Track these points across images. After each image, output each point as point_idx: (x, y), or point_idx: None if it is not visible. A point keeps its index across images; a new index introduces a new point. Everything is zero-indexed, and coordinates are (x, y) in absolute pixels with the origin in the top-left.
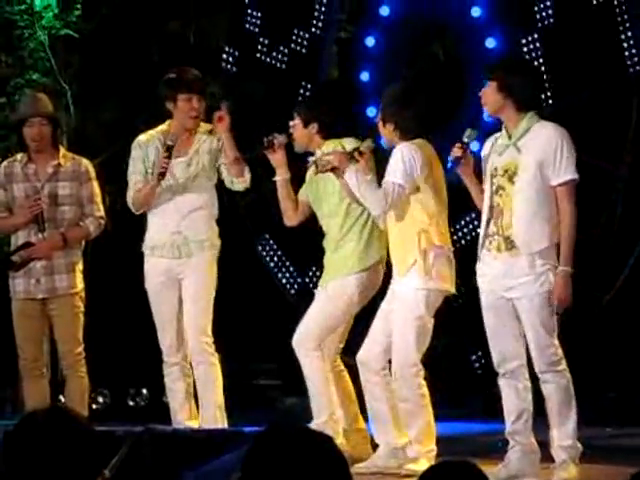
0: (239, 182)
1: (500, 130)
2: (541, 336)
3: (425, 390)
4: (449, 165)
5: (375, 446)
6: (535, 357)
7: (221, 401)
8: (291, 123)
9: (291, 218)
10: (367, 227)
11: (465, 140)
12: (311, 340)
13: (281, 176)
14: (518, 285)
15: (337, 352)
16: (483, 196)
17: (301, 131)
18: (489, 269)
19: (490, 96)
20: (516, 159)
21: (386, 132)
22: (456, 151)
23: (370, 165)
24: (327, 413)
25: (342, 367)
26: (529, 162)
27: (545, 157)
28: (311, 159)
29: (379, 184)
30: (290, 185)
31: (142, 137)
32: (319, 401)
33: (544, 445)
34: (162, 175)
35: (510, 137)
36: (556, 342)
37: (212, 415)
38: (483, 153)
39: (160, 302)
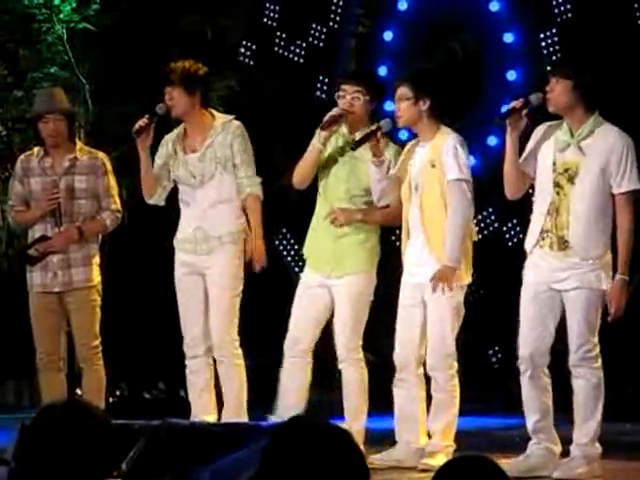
0: None
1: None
2: (582, 330)
3: (457, 381)
4: (502, 112)
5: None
6: (572, 350)
7: (239, 401)
8: (356, 94)
9: (303, 183)
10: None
11: (530, 99)
12: (355, 346)
13: (321, 145)
14: (571, 277)
15: None
16: (515, 165)
17: (366, 106)
18: (540, 262)
19: (562, 95)
20: (578, 160)
21: (415, 110)
22: (517, 102)
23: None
24: (362, 419)
25: None
26: (592, 166)
27: (609, 164)
28: (350, 137)
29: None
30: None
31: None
32: (359, 407)
33: (566, 440)
34: (136, 133)
35: (572, 135)
36: (595, 340)
37: (230, 414)
38: (535, 138)
39: (184, 294)
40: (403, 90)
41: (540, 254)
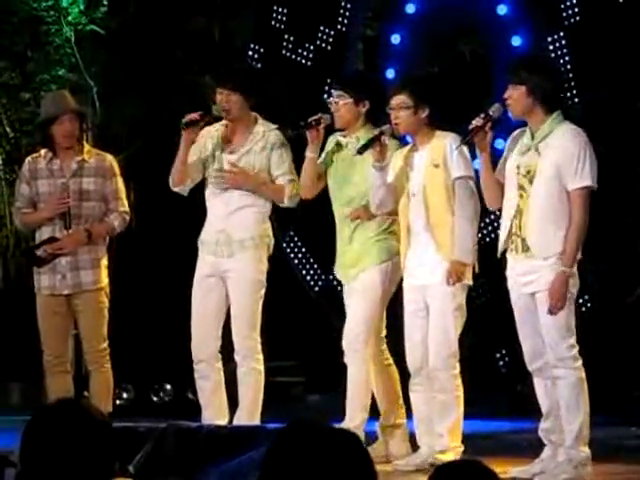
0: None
1: (523, 125)
2: (555, 330)
3: (460, 381)
4: (467, 134)
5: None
6: (548, 351)
7: (254, 406)
8: (337, 99)
9: (309, 192)
10: (387, 220)
11: (490, 113)
12: (360, 339)
13: (314, 153)
14: (535, 280)
15: (381, 344)
16: (492, 180)
17: (350, 108)
18: (511, 268)
19: (518, 100)
20: (537, 161)
21: (415, 119)
22: (478, 120)
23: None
24: (361, 418)
25: (390, 361)
26: (547, 165)
27: (563, 161)
28: (344, 140)
29: None
30: (317, 162)
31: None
32: (357, 404)
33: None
34: (186, 125)
35: (533, 137)
36: (572, 340)
37: (242, 418)
38: (506, 146)
39: (199, 296)
40: (401, 98)
41: (510, 260)
